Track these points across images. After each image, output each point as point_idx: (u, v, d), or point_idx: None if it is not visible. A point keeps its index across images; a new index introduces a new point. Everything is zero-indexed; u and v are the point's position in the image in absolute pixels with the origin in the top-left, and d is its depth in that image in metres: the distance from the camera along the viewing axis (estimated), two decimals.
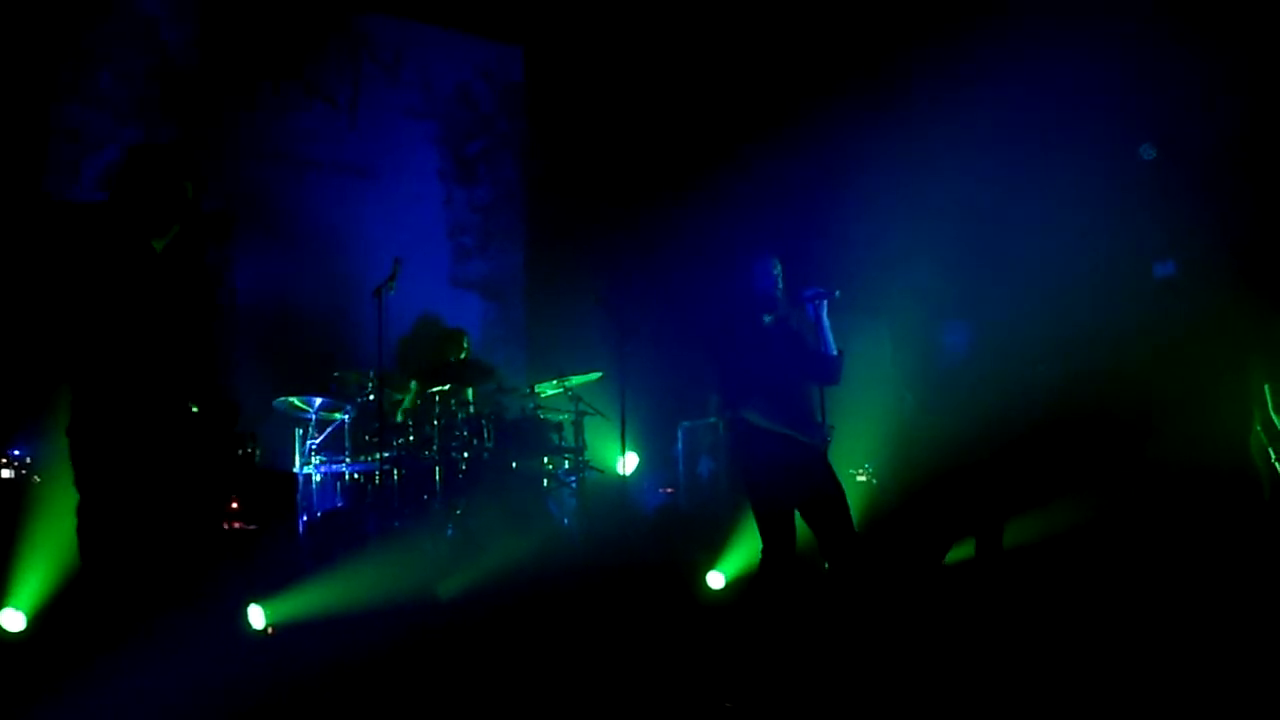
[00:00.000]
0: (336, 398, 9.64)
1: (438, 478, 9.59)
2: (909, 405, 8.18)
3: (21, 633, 6.37)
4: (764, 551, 6.04)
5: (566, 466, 10.22)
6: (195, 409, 4.94)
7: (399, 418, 10.16)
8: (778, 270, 6.22)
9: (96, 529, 4.80)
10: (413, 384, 10.39)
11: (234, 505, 8.99)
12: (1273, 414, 8.28)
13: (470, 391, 10.02)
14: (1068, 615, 7.19)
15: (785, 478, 6.01)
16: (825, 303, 6.16)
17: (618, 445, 10.67)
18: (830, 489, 6.09)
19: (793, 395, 6.14)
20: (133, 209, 4.92)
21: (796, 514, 6.10)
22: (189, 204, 5.04)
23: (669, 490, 11.95)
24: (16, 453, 7.61)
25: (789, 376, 6.17)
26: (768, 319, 6.23)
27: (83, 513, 4.82)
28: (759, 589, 6.04)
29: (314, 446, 9.61)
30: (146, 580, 4.84)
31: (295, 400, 9.46)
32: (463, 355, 10.62)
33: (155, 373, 4.85)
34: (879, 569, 6.47)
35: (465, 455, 9.67)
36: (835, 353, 6.18)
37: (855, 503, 6.64)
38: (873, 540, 8.14)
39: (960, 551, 7.92)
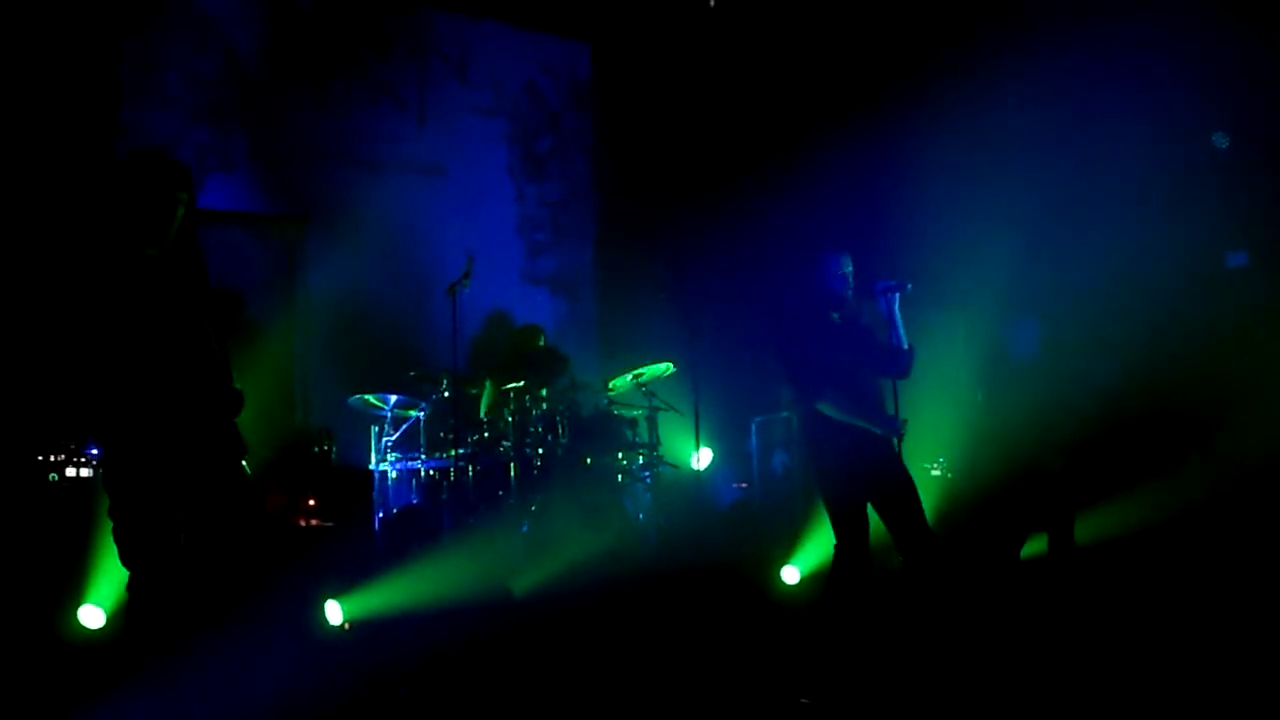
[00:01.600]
0: (411, 395, 9.68)
1: (513, 474, 9.60)
2: (979, 403, 8.08)
3: (101, 629, 6.45)
4: (837, 546, 5.99)
5: (641, 462, 10.20)
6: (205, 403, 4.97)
7: (483, 414, 10.15)
8: (849, 268, 6.17)
9: (128, 527, 4.84)
10: (486, 382, 10.39)
11: (311, 502, 9.08)
12: None
13: (545, 389, 10.03)
14: (1142, 612, 7.10)
15: (859, 471, 5.96)
16: (898, 295, 6.11)
17: (692, 440, 10.66)
18: (903, 484, 6.03)
19: (864, 389, 6.09)
20: (124, 219, 4.94)
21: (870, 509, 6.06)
22: (185, 212, 5.03)
23: (743, 485, 11.91)
24: (94, 452, 7.70)
25: (859, 371, 6.12)
26: (835, 316, 6.17)
27: (113, 514, 4.87)
28: (833, 584, 6.00)
29: (389, 443, 9.67)
30: (197, 577, 4.88)
31: (371, 398, 9.51)
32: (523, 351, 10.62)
33: (162, 374, 4.86)
34: (953, 565, 6.40)
35: (540, 451, 9.68)
36: (906, 346, 6.14)
37: (929, 497, 6.58)
38: (948, 536, 8.09)
39: (1033, 547, 7.84)
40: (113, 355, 4.85)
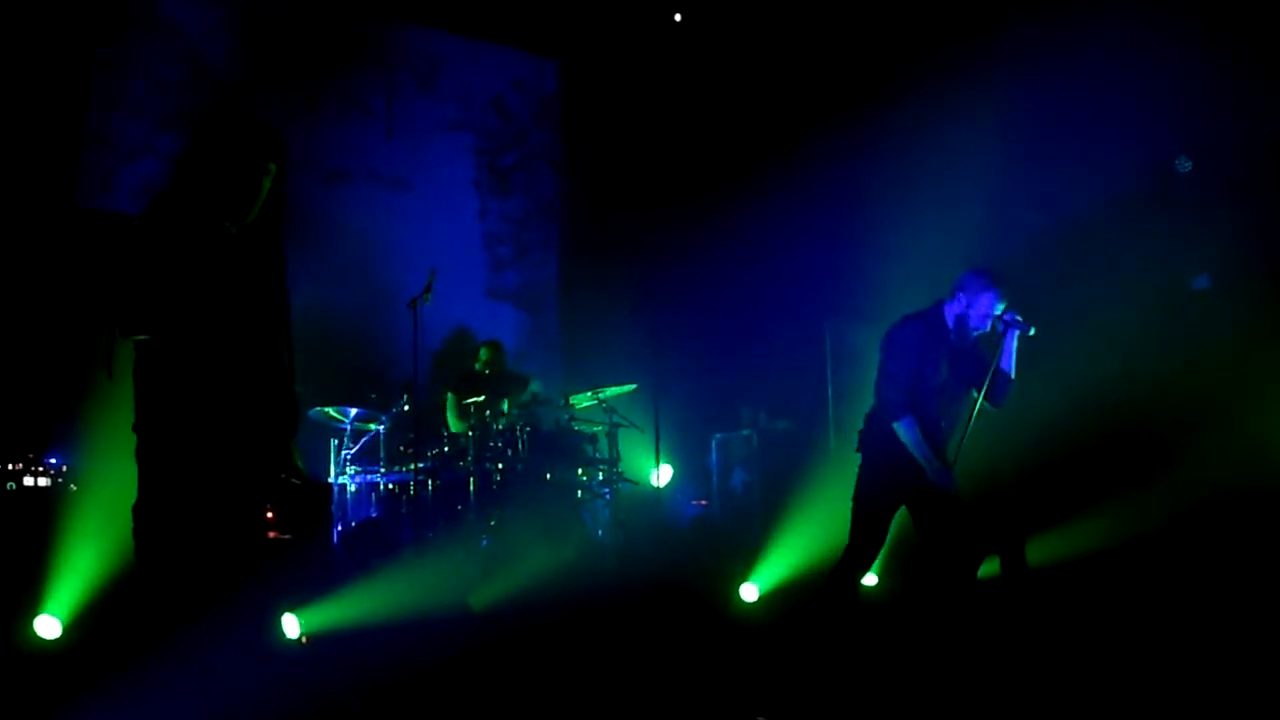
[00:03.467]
0: (371, 408, 9.66)
1: (472, 488, 9.59)
2: None
3: (57, 640, 6.41)
4: (848, 548, 6.02)
5: (601, 478, 10.21)
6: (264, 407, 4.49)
7: (454, 429, 10.12)
8: (1001, 309, 6.12)
9: (155, 529, 4.38)
10: (449, 396, 10.38)
11: (269, 515, 9.05)
12: None
13: (505, 403, 10.03)
14: (1096, 634, 7.14)
15: (906, 481, 5.97)
16: (1017, 333, 6.07)
17: (652, 457, 10.68)
18: (947, 501, 6.05)
19: (940, 424, 6.10)
20: (207, 191, 4.42)
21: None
22: (272, 187, 4.53)
23: (703, 502, 11.95)
24: (53, 461, 7.66)
25: (949, 397, 6.13)
26: (954, 339, 6.16)
27: (140, 512, 4.41)
28: (828, 587, 6.02)
29: (349, 457, 9.64)
30: (199, 582, 4.46)
31: (330, 410, 9.48)
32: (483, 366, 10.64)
33: (228, 366, 4.38)
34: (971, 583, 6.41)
35: (500, 466, 9.67)
36: (1013, 378, 6.14)
37: (899, 517, 6.64)
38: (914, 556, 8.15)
39: (986, 569, 7.88)
40: (168, 342, 4.32)
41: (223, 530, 4.47)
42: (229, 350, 4.38)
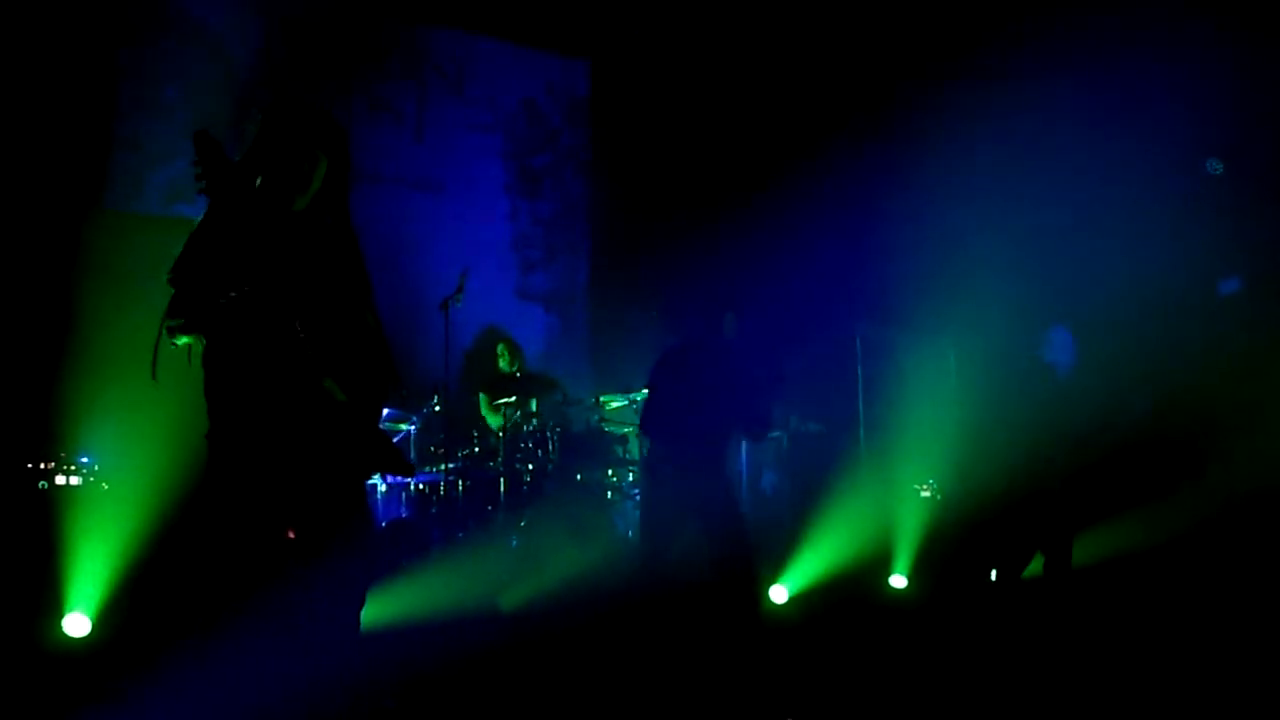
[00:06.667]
0: (403, 409, 9.68)
1: (502, 489, 9.62)
2: (1004, 419, 7.98)
3: (86, 638, 6.44)
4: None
5: (630, 479, 10.21)
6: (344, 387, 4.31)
7: (496, 423, 10.17)
8: (730, 329, 6.48)
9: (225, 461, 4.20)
10: (481, 397, 10.39)
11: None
12: None
13: (535, 403, 10.04)
14: (1137, 635, 7.10)
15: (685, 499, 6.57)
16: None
17: None
18: (729, 513, 6.62)
19: (700, 445, 6.47)
20: (262, 180, 4.47)
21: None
22: (330, 172, 4.62)
23: None
24: (84, 460, 7.70)
25: (704, 418, 6.51)
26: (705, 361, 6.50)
27: (212, 439, 4.24)
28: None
29: None
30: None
31: None
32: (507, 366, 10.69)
33: (298, 340, 4.22)
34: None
35: (530, 467, 9.69)
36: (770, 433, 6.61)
37: (918, 518, 6.59)
38: (943, 557, 8.12)
39: (1031, 568, 7.83)
40: (222, 341, 4.25)
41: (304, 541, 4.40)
42: (295, 337, 4.25)
